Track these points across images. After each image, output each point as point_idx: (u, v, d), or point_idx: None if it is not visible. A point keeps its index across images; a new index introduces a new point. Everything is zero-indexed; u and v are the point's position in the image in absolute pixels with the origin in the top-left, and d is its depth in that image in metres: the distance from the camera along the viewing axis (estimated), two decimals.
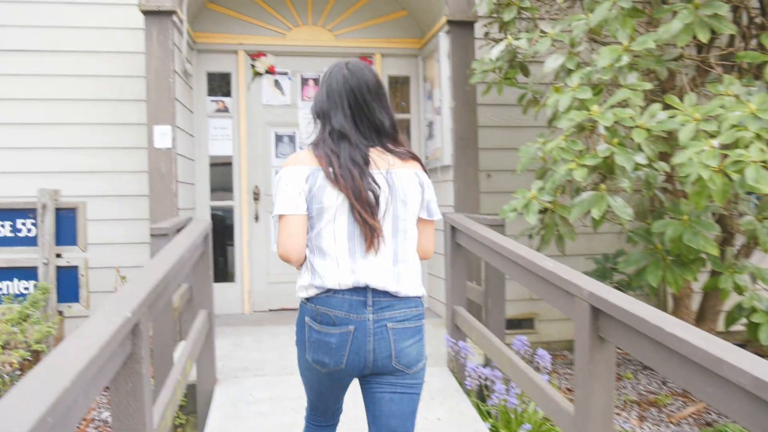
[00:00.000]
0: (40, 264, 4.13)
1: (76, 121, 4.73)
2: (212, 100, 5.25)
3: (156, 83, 4.28)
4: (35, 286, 4.13)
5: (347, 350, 1.79)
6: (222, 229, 5.34)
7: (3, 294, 4.14)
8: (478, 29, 4.74)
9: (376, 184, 1.83)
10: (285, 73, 5.36)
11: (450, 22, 4.59)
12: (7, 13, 4.69)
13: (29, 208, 4.17)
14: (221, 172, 5.39)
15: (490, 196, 5.13)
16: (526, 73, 4.09)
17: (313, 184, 1.82)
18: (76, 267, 4.21)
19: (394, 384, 1.85)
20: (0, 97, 4.66)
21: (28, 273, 4.23)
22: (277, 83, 5.34)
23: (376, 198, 1.82)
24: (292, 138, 5.37)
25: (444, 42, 4.67)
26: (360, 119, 1.89)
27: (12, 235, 4.19)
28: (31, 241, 4.19)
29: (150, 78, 4.28)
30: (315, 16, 5.30)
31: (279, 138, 5.34)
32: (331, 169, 1.80)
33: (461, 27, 4.61)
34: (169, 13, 4.28)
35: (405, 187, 1.88)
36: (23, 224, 4.21)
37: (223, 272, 5.34)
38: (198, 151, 5.19)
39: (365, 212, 1.79)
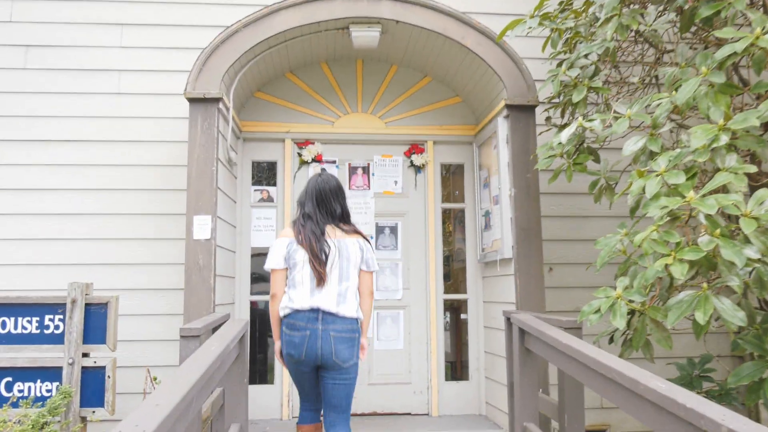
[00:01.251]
0: (65, 364, 3.80)
1: (114, 212, 4.54)
2: (256, 189, 5.04)
3: (198, 171, 4.07)
4: (58, 388, 3.79)
5: (305, 346, 2.88)
6: (261, 324, 4.97)
7: (22, 398, 3.80)
8: (538, 114, 4.46)
9: (328, 246, 3.01)
10: (333, 162, 5.14)
11: (509, 107, 4.32)
12: (40, 104, 4.65)
13: (58, 303, 3.89)
14: (263, 263, 5.07)
15: (552, 292, 4.67)
16: (597, 159, 3.73)
17: (290, 249, 3.04)
18: (103, 368, 3.85)
19: (335, 378, 2.92)
20: (35, 187, 4.53)
21: (52, 374, 3.88)
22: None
23: (326, 256, 2.98)
24: None
25: (502, 127, 4.38)
26: (321, 206, 3.11)
27: (38, 332, 3.89)
28: (57, 339, 3.87)
29: (192, 166, 4.08)
30: (365, 104, 5.13)
31: None
32: (300, 237, 3.03)
33: (521, 111, 4.33)
34: (215, 101, 4.14)
35: (349, 250, 3.04)
36: (51, 320, 3.92)
37: (262, 372, 4.92)
38: (240, 242, 4.92)
39: (317, 263, 2.97)
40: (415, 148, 5.14)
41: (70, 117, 4.64)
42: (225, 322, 3.63)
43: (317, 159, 5.08)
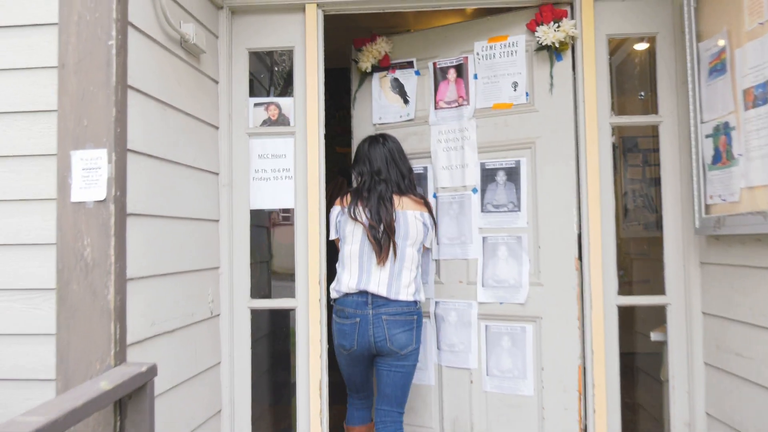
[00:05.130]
0: None
1: None
2: (258, 104, 2.76)
3: (80, 52, 1.84)
4: None
5: (357, 335, 2.45)
6: (277, 349, 2.82)
7: None
8: None
9: (389, 215, 2.48)
10: (408, 64, 2.83)
11: None
12: None
13: None
14: (284, 236, 2.91)
15: None
16: None
17: (339, 218, 2.58)
18: None
19: (390, 364, 2.47)
20: None
21: None
22: (396, 83, 2.81)
23: (387, 225, 2.48)
24: (419, 177, 2.82)
25: None
26: (383, 170, 2.58)
27: None
28: None
29: (66, 41, 1.85)
30: None
31: None
32: (352, 207, 2.54)
33: None
34: None
35: (408, 225, 2.50)
36: None
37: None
38: (231, 202, 2.70)
39: (377, 234, 2.47)
40: (548, 11, 2.63)
41: None
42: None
43: (382, 64, 2.79)
